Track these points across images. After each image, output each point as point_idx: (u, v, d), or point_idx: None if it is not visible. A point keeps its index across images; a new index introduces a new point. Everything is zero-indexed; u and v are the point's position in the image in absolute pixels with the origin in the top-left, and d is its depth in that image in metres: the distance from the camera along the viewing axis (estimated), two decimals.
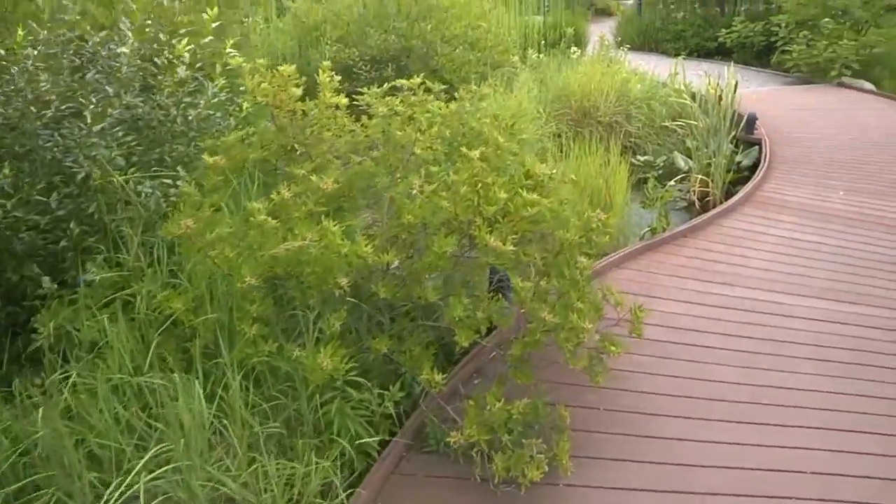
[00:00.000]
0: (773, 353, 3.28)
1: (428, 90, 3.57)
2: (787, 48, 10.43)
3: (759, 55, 11.73)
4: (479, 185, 2.76)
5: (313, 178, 2.35)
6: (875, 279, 4.04)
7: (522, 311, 2.45)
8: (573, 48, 8.89)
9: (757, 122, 6.92)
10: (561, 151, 5.34)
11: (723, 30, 12.21)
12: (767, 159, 6.10)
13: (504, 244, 2.46)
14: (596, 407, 2.78)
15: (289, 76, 2.84)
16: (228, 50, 3.99)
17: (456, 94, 3.77)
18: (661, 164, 6.45)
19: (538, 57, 8.38)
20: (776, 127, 7.22)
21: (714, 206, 5.64)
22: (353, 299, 2.42)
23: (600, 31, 11.95)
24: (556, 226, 2.84)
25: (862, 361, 3.22)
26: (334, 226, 2.33)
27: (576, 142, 5.63)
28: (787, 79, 10.35)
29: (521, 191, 2.64)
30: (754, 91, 9.10)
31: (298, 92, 2.80)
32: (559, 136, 6.29)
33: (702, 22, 13.13)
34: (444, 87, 3.65)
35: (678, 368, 3.13)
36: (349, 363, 2.14)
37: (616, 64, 8.28)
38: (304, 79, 3.01)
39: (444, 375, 2.30)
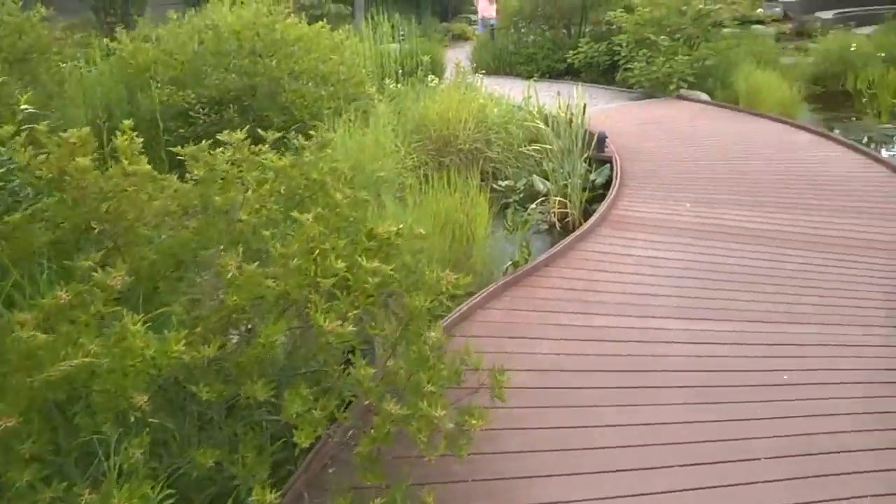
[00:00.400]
0: (640, 384, 3.25)
1: (259, 141, 3.25)
2: (629, 66, 11.04)
3: (605, 73, 12.37)
4: (317, 252, 2.48)
5: (97, 273, 1.96)
6: (727, 291, 4.17)
7: (366, 402, 2.19)
8: (431, 76, 8.85)
9: (607, 139, 7.16)
10: (421, 186, 5.17)
11: (570, 51, 12.77)
12: (619, 176, 6.29)
13: (345, 322, 2.20)
14: (465, 479, 2.58)
15: (76, 143, 2.43)
16: (23, 106, 3.46)
17: (311, 133, 3.50)
18: (522, 187, 6.49)
19: (396, 87, 8.25)
20: (625, 143, 7.52)
21: (574, 227, 5.71)
22: (169, 406, 2.05)
23: (457, 58, 12.10)
24: (407, 286, 2.62)
25: (721, 383, 3.26)
26: (139, 319, 1.96)
27: (437, 173, 5.51)
28: (631, 94, 10.93)
29: (361, 258, 2.39)
30: (602, 109, 9.50)
31: (86, 162, 2.38)
32: (423, 165, 6.15)
33: (551, 44, 13.67)
34: (279, 134, 3.37)
35: (551, 418, 3.00)
36: (161, 493, 1.78)
37: (473, 90, 8.32)
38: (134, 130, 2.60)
39: (279, 493, 1.96)
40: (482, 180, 6.06)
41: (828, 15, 17.13)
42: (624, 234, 5.11)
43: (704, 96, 10.30)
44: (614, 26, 12.63)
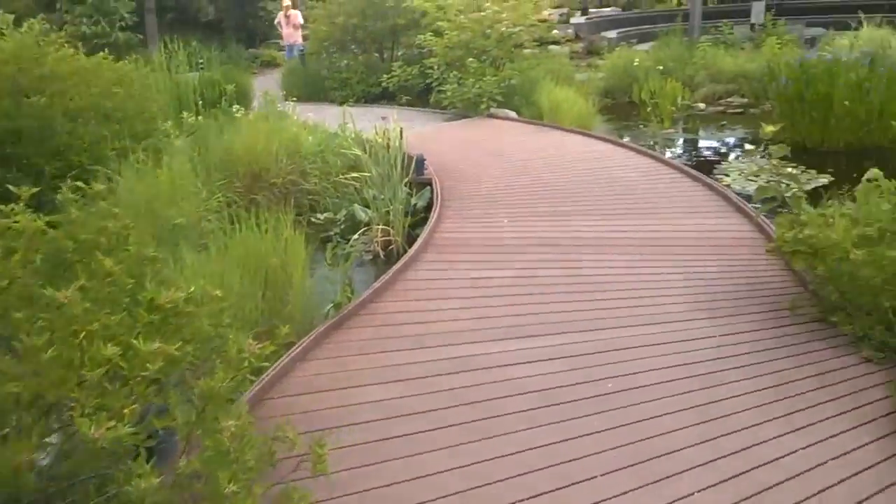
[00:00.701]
0: (479, 417, 3.15)
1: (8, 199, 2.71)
2: (442, 88, 11.32)
3: (420, 96, 12.60)
4: (83, 335, 2.05)
5: None
6: (551, 304, 4.26)
7: None
8: (236, 106, 8.34)
9: (426, 162, 7.17)
10: (227, 230, 4.73)
11: (384, 75, 12.84)
12: (439, 198, 6.30)
13: (120, 421, 1.81)
14: None
15: None
16: None
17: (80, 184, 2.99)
18: (343, 218, 6.26)
19: (196, 120, 7.64)
20: (444, 164, 7.60)
21: (398, 254, 5.60)
22: None
23: (266, 86, 11.62)
24: (205, 358, 2.26)
25: (554, 401, 3.26)
26: None
27: (246, 213, 5.09)
28: (446, 115, 11.20)
29: (138, 339, 2.00)
30: (420, 131, 9.59)
31: None
32: (230, 205, 5.68)
33: (364, 69, 13.65)
34: (36, 189, 2.82)
35: (388, 473, 2.77)
36: None
37: (284, 119, 7.96)
38: None
39: None
40: (299, 214, 5.75)
41: (612, 34, 18.99)
42: (448, 257, 5.07)
43: (513, 114, 10.81)
44: (425, 49, 12.93)
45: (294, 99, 9.69)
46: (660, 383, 3.41)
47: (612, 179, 6.86)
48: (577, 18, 21.19)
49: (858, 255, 3.45)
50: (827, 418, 3.10)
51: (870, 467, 2.82)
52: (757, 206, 5.11)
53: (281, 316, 4.08)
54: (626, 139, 10.28)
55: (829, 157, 8.89)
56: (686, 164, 7.57)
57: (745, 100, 12.75)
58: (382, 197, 6.20)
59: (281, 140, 6.82)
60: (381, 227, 5.94)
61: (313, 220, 6.13)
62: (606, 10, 25.30)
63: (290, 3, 15.36)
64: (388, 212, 6.06)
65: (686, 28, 15.21)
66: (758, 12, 17.23)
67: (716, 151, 9.96)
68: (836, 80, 8.96)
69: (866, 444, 2.94)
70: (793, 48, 13.49)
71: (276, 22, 15.82)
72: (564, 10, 21.41)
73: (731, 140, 10.49)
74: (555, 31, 14.76)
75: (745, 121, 11.55)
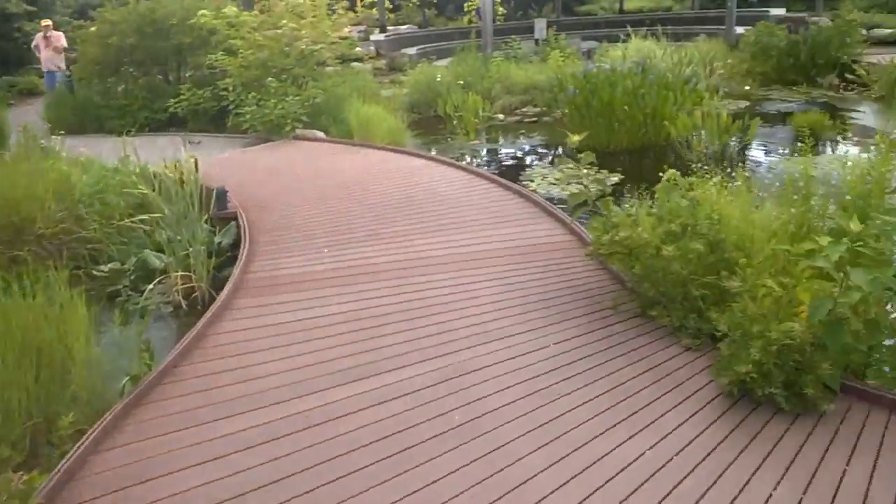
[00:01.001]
0: (322, 481, 2.75)
1: None
2: (239, 111, 10.56)
3: (215, 120, 11.66)
4: None
5: None
6: (386, 336, 3.96)
7: None
8: None
9: (228, 194, 6.54)
10: None
11: (172, 100, 11.70)
12: (248, 233, 5.73)
13: None
14: None
15: None
16: None
17: None
18: (133, 267, 5.44)
19: None
20: (249, 194, 7.01)
21: (204, 302, 4.99)
22: None
23: (26, 118, 10.00)
24: None
25: (402, 446, 2.97)
26: None
27: (6, 274, 4.17)
28: (246, 140, 10.47)
29: None
30: (217, 159, 8.83)
31: None
32: None
33: (147, 94, 12.34)
34: None
35: None
36: None
37: (51, 157, 6.81)
38: None
39: None
40: (77, 268, 4.89)
41: (412, 51, 19.35)
42: (265, 299, 4.57)
43: (321, 134, 10.41)
44: (217, 70, 12.03)
45: (62, 132, 8.40)
46: (505, 406, 3.27)
47: (430, 195, 6.76)
48: (377, 36, 21.33)
49: (669, 250, 3.60)
50: (665, 413, 3.17)
51: (710, 453, 2.91)
52: (570, 211, 5.25)
53: (62, 401, 3.33)
54: (436, 153, 10.39)
55: (615, 157, 9.68)
56: (496, 174, 7.74)
57: (538, 109, 13.58)
58: (179, 238, 5.48)
59: (47, 182, 5.79)
60: (180, 273, 5.23)
61: (95, 272, 5.24)
62: (403, 28, 25.87)
63: (49, 22, 13.45)
64: (187, 255, 5.36)
65: (480, 44, 15.91)
66: (540, 28, 18.61)
67: (518, 159, 10.43)
68: (615, 87, 9.80)
69: (703, 430, 3.04)
70: (574, 60, 14.68)
71: (33, 45, 13.71)
72: (363, 28, 21.44)
73: (529, 146, 11.06)
74: (357, 49, 14.61)
75: (540, 128, 12.29)
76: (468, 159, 10.26)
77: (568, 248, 5.16)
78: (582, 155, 4.56)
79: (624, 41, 14.94)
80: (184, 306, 5.06)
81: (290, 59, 11.29)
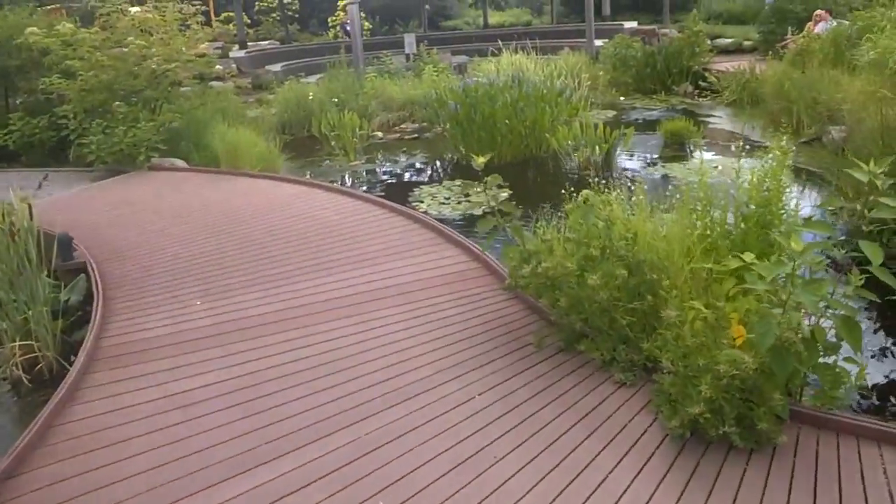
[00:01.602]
0: None
1: None
2: (83, 140, 9.29)
3: (55, 153, 10.23)
4: None
5: None
6: (282, 407, 3.33)
7: None
8: None
9: (73, 241, 5.54)
10: None
11: (0, 131, 10.13)
12: (101, 288, 4.83)
13: None
14: None
15: None
16: None
17: None
18: None
19: None
20: (101, 238, 6.02)
21: (51, 373, 4.10)
22: None
23: None
24: None
25: None
26: None
27: None
28: (94, 174, 9.22)
29: None
30: (59, 198, 7.65)
31: None
32: None
33: None
34: None
35: None
36: None
37: None
38: None
39: None
40: None
41: (277, 67, 18.40)
42: (125, 371, 3.76)
43: (181, 163, 9.40)
44: (55, 95, 10.58)
45: None
46: (434, 482, 2.78)
47: (317, 227, 6.11)
48: (236, 52, 20.10)
49: (595, 278, 3.30)
50: (614, 468, 2.82)
51: (650, 499, 2.60)
52: (482, 238, 4.81)
53: None
54: (316, 177, 9.71)
55: (500, 170, 9.48)
56: (383, 197, 7.25)
57: (417, 124, 13.29)
58: (14, 299, 4.51)
59: None
60: (18, 342, 4.28)
61: None
62: (265, 44, 24.72)
63: None
64: (26, 319, 4.41)
65: (350, 60, 15.37)
66: (410, 43, 18.39)
67: (403, 178, 10.00)
68: (495, 101, 9.67)
69: (660, 482, 2.72)
70: (448, 75, 14.55)
71: None
72: (220, 44, 20.12)
73: (412, 165, 10.68)
74: (218, 67, 13.55)
75: (422, 145, 11.97)
76: (350, 182, 9.68)
77: (476, 276, 4.76)
78: (490, 178, 4.19)
79: (494, 55, 15.04)
80: (26, 382, 4.12)
81: (140, 80, 10.15)
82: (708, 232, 4.11)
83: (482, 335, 3.93)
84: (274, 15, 27.06)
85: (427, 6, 26.59)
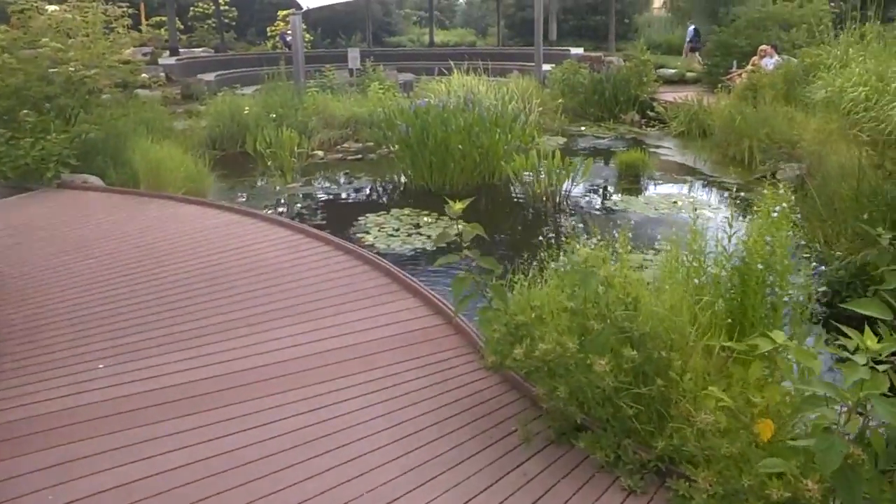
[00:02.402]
0: None
1: None
2: None
3: None
4: None
5: None
6: None
7: None
8: None
9: None
10: None
11: None
12: None
13: None
14: None
15: None
16: None
17: None
18: None
19: None
20: None
21: None
22: None
23: None
24: None
25: None
26: None
27: None
28: None
29: None
30: None
31: None
32: None
33: None
34: None
35: None
36: None
37: None
38: None
39: None
40: None
41: (210, 77, 17.28)
42: (4, 468, 2.89)
43: (96, 180, 8.33)
44: None
45: None
46: None
47: (250, 267, 5.26)
48: (167, 59, 18.82)
49: (603, 363, 2.70)
50: None
51: None
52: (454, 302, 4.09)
53: None
54: (249, 200, 8.84)
55: (452, 199, 8.95)
56: (324, 228, 6.51)
57: (361, 144, 12.57)
58: None
59: None
60: None
61: None
62: (199, 51, 23.42)
63: None
64: None
65: (289, 72, 14.49)
66: (354, 58, 17.67)
67: (347, 204, 9.26)
68: (448, 124, 9.09)
69: None
70: (394, 93, 13.93)
71: None
72: (150, 50, 18.79)
73: (356, 189, 9.94)
74: (143, 75, 12.40)
75: (366, 167, 11.26)
76: (286, 208, 8.83)
77: (442, 336, 4.08)
78: (468, 228, 3.53)
79: (443, 74, 14.52)
80: None
81: (55, 86, 9.03)
82: (705, 293, 3.63)
83: (455, 419, 3.25)
84: (209, 21, 25.77)
85: (370, 21, 25.93)
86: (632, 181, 9.81)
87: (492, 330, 3.21)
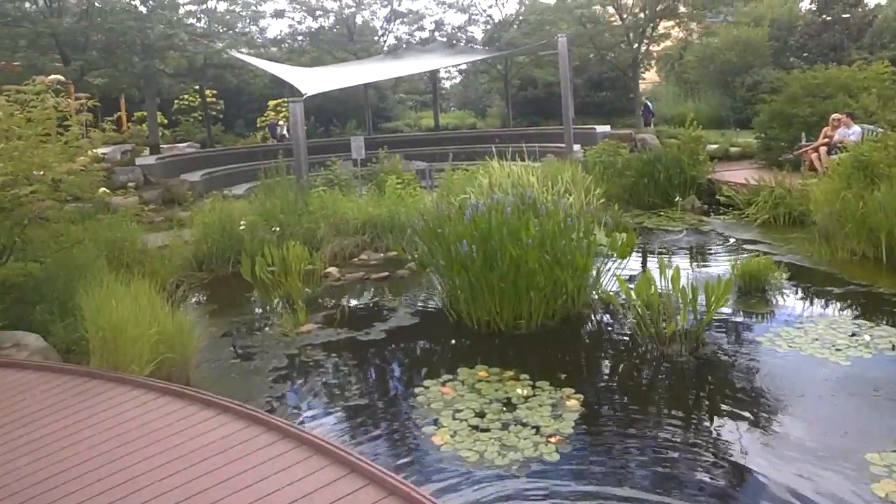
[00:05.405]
0: None
1: None
2: None
3: None
4: None
5: None
6: None
7: None
8: None
9: None
10: None
11: None
12: None
13: None
14: None
15: None
16: None
17: None
18: None
19: None
20: None
21: None
22: None
23: None
24: None
25: None
26: None
27: None
28: None
29: None
30: None
31: None
32: None
33: None
34: None
35: None
36: None
37: None
38: None
39: None
40: None
41: (195, 176, 15.03)
42: None
43: (33, 340, 5.70)
44: None
45: None
46: None
47: None
48: (146, 158, 16.57)
49: None
50: None
51: None
52: None
53: None
54: (245, 357, 6.21)
55: (534, 342, 6.44)
56: (372, 410, 3.93)
57: (381, 255, 10.17)
58: None
59: None
60: None
61: None
62: (182, 146, 21.33)
63: None
64: None
65: (288, 166, 12.22)
66: (358, 147, 15.55)
67: (387, 362, 6.63)
68: (517, 236, 6.67)
69: None
70: (416, 187, 11.71)
71: None
72: (128, 147, 16.59)
73: (399, 327, 7.27)
74: (103, 189, 9.99)
75: (398, 289, 8.72)
76: (303, 380, 6.11)
77: None
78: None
79: (457, 160, 12.31)
80: None
81: None
82: None
83: None
84: (195, 114, 23.90)
85: (369, 107, 24.19)
86: (760, 299, 7.35)
87: None
